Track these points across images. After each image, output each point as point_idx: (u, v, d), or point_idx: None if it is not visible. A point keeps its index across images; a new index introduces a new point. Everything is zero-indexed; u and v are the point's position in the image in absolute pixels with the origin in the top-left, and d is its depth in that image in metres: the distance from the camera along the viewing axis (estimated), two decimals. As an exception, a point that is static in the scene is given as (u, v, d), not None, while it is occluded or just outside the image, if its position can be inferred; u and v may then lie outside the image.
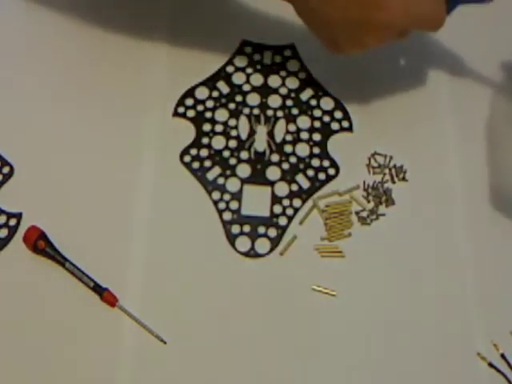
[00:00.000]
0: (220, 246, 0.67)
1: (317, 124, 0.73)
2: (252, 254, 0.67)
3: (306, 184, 0.70)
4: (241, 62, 0.76)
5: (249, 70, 0.75)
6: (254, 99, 0.74)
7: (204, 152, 0.71)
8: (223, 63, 0.76)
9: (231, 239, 0.67)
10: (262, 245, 0.67)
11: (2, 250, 0.66)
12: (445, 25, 0.65)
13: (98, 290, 0.64)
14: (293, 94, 0.74)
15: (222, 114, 0.73)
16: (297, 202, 0.69)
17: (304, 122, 0.73)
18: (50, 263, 0.65)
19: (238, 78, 0.75)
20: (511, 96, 0.73)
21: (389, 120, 0.73)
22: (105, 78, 0.74)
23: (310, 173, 0.70)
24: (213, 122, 0.73)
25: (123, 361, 0.62)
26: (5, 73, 0.75)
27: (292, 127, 0.72)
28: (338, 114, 0.73)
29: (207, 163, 0.70)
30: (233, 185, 0.70)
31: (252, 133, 0.72)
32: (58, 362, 0.62)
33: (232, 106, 0.73)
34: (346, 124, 0.73)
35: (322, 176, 0.70)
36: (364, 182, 0.70)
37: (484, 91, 0.74)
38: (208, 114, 0.73)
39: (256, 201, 0.69)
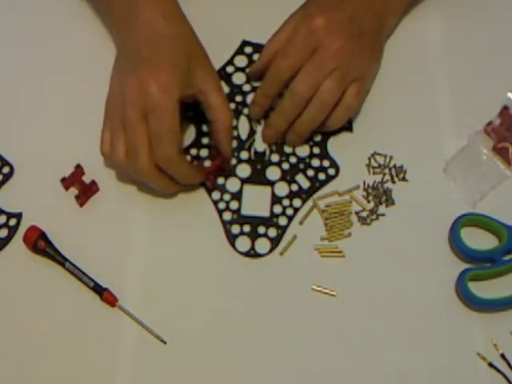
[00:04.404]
0: (220, 246, 0.67)
1: (317, 124, 0.73)
2: (252, 253, 0.67)
3: (305, 184, 0.70)
4: (241, 61, 0.76)
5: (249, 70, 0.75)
6: (254, 99, 0.74)
7: (204, 152, 0.71)
8: (223, 63, 0.76)
9: (231, 239, 0.67)
10: (262, 245, 0.67)
11: (1, 250, 0.66)
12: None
13: (98, 289, 0.64)
14: (293, 94, 0.74)
15: (222, 114, 0.73)
16: (297, 202, 0.69)
17: (304, 121, 0.73)
18: (50, 263, 0.65)
19: (238, 78, 0.75)
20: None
21: (389, 120, 0.73)
22: (104, 78, 0.74)
23: (310, 173, 0.70)
24: (213, 121, 0.73)
25: (123, 361, 0.62)
26: (4, 73, 0.75)
27: (292, 127, 0.72)
28: (338, 114, 0.73)
29: (207, 163, 0.70)
30: (233, 185, 0.70)
31: (252, 133, 0.72)
32: (58, 362, 0.62)
33: (232, 106, 0.73)
34: (345, 124, 0.73)
35: (322, 176, 0.70)
36: (364, 182, 0.70)
37: (484, 88, 0.75)
38: (208, 114, 0.73)
39: (256, 201, 0.69)
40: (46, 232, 0.66)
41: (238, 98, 0.74)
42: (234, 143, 0.71)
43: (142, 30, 0.65)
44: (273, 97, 0.70)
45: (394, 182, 0.70)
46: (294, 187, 0.70)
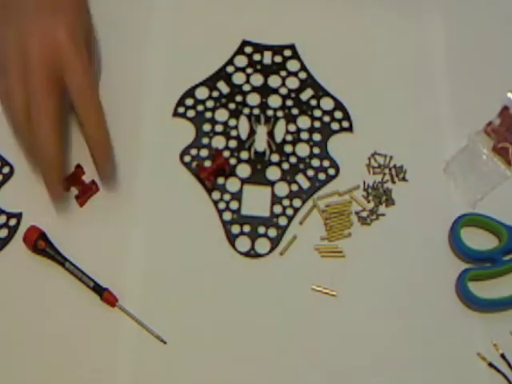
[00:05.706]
0: (220, 246, 0.67)
1: (317, 124, 0.73)
2: (252, 254, 0.67)
3: (306, 184, 0.70)
4: (241, 61, 0.76)
5: (249, 70, 0.75)
6: (253, 99, 0.74)
7: (204, 152, 0.71)
8: (223, 63, 0.76)
9: (231, 239, 0.67)
10: (262, 245, 0.67)
11: (1, 250, 0.66)
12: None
13: (98, 289, 0.64)
14: (293, 94, 0.74)
15: (221, 114, 0.73)
16: (297, 202, 0.69)
17: (304, 122, 0.73)
18: (49, 263, 0.65)
19: (238, 78, 0.75)
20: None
21: (389, 120, 0.73)
22: (105, 79, 0.74)
23: (310, 173, 0.70)
24: (213, 121, 0.72)
25: (123, 361, 0.62)
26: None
27: (292, 127, 0.72)
28: (338, 114, 0.73)
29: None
30: (233, 185, 0.70)
31: (252, 133, 0.72)
32: (58, 362, 0.62)
33: (232, 106, 0.73)
34: (345, 124, 0.73)
35: (322, 176, 0.70)
36: (364, 182, 0.70)
37: (484, 88, 0.75)
38: (208, 114, 0.73)
39: (256, 201, 0.69)
40: (46, 232, 0.66)
41: (238, 98, 0.74)
42: (234, 143, 0.71)
43: None
44: None
45: (394, 182, 0.70)
46: (294, 187, 0.70)
